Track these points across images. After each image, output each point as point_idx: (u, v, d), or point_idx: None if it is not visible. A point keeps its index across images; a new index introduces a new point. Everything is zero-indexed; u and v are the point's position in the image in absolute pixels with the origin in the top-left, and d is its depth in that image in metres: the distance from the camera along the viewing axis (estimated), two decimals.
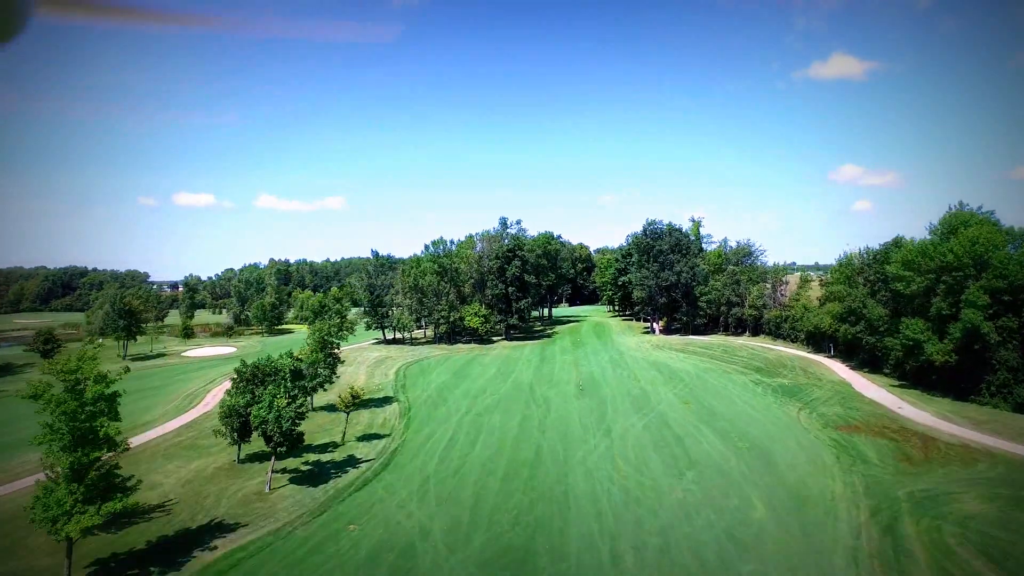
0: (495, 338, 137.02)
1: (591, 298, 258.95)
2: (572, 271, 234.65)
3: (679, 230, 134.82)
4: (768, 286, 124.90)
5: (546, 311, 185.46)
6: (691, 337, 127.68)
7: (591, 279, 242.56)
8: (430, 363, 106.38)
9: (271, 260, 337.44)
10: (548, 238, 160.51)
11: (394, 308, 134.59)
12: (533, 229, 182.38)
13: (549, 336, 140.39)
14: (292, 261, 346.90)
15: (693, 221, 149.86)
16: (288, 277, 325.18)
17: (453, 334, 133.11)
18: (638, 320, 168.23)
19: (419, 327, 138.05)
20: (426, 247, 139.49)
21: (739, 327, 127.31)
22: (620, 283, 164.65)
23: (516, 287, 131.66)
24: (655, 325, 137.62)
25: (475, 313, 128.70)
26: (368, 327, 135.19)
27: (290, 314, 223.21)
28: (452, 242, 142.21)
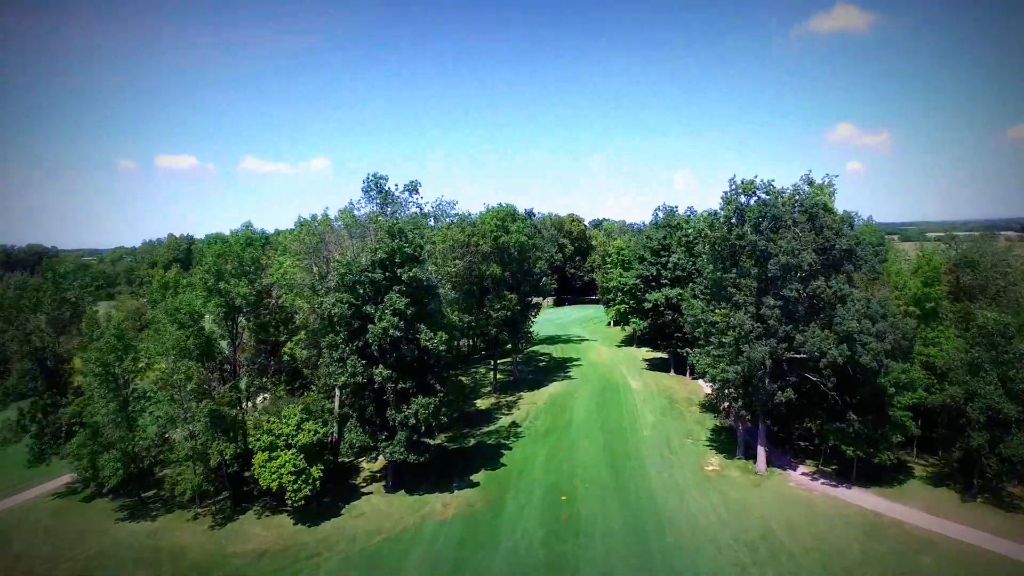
0: (363, 481, 54.17)
1: (584, 289, 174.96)
2: (560, 256, 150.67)
3: (826, 208, 49.55)
4: None
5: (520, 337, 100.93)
6: (875, 503, 44.73)
7: (586, 266, 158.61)
8: None
9: (170, 235, 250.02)
10: (505, 216, 75.30)
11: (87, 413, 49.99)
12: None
13: (495, 464, 56.92)
14: (199, 237, 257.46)
15: (811, 183, 63.30)
16: (189, 259, 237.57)
17: (241, 485, 49.61)
18: (678, 371, 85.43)
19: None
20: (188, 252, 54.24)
21: (1000, 473, 44.15)
22: (648, 302, 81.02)
23: (403, 365, 47.32)
24: (758, 447, 53.88)
25: (283, 441, 45.01)
26: (34, 457, 51.14)
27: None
28: (265, 237, 56.93)
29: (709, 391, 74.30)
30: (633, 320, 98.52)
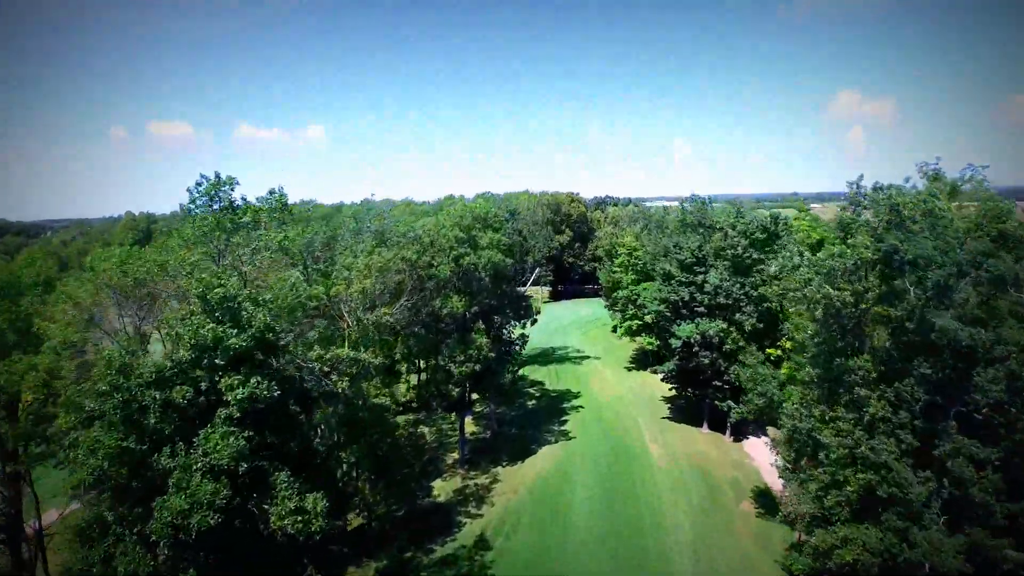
0: None
1: (585, 279, 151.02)
2: (558, 245, 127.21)
3: None
4: None
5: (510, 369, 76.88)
6: None
7: (586, 254, 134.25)
8: None
9: (127, 213, 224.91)
10: (473, 223, 50.75)
11: None
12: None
13: None
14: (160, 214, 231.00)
15: (934, 178, 38.46)
16: (148, 239, 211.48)
17: None
18: (713, 425, 62.37)
19: None
20: None
21: None
22: (677, 337, 57.22)
23: (234, 566, 24.25)
24: None
25: None
26: None
27: None
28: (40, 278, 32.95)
29: (769, 473, 51.54)
30: (647, 339, 76.58)
